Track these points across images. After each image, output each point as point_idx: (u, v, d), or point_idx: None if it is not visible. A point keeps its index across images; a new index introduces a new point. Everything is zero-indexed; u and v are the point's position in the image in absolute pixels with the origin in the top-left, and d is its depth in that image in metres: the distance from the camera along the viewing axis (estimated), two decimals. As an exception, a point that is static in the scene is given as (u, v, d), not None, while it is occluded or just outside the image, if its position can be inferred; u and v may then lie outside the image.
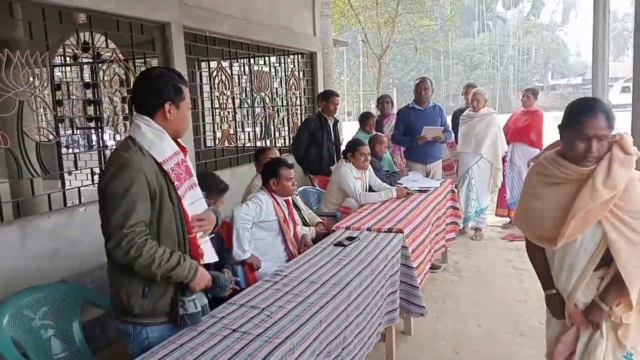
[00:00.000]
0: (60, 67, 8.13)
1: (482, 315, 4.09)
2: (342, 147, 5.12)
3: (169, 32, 4.84)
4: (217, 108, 6.21)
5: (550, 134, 2.33)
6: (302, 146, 5.74)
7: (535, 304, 4.12)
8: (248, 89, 6.63)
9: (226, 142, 6.19)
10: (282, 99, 7.39)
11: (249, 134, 6.82)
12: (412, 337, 3.77)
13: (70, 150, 6.82)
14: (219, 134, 6.23)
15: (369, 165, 4.78)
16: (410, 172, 5.85)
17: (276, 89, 7.21)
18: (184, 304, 2.09)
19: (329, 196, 4.74)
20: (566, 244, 2.05)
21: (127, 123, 4.67)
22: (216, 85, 6.07)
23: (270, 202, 3.50)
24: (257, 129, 6.85)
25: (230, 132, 6.26)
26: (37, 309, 2.56)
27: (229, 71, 6.10)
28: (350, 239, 3.33)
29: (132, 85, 2.21)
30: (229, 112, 6.22)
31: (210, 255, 2.24)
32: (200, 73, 6.82)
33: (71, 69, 8.15)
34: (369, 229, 3.58)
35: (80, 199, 4.09)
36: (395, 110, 6.95)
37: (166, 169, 2.04)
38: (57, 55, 6.68)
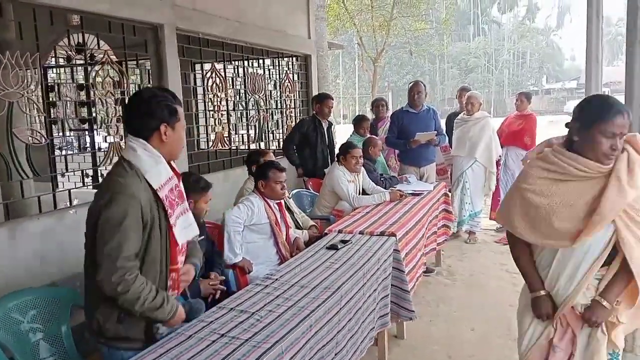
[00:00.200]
0: (54, 69, 8.11)
1: (476, 319, 4.07)
2: (336, 150, 5.10)
3: (162, 33, 4.81)
4: (211, 110, 6.18)
5: (544, 137, 2.29)
6: (292, 146, 5.76)
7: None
8: (242, 91, 6.60)
9: (219, 144, 6.17)
10: (277, 101, 7.37)
11: (242, 137, 6.79)
12: (405, 341, 3.75)
13: (64, 152, 6.79)
14: (212, 137, 6.20)
15: (362, 168, 4.77)
16: (409, 177, 5.75)
17: (270, 91, 7.19)
18: (159, 329, 2.08)
19: (322, 199, 4.72)
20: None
21: (120, 125, 4.65)
22: (210, 88, 6.05)
23: (262, 205, 3.48)
24: (251, 132, 6.83)
25: (224, 135, 6.24)
26: (26, 312, 2.53)
27: (223, 73, 6.08)
28: (343, 242, 3.31)
29: (124, 107, 2.17)
30: (222, 114, 6.20)
31: (186, 232, 2.18)
32: (194, 75, 6.80)
33: (65, 70, 8.12)
34: (361, 233, 3.56)
35: (70, 201, 4.06)
36: (390, 114, 6.95)
37: (161, 196, 2.00)
38: (52, 57, 6.64)
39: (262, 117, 6.94)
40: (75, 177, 4.89)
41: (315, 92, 7.51)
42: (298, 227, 3.99)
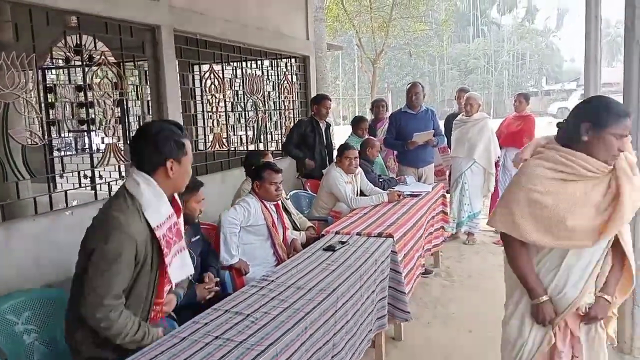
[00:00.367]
0: (53, 70, 8.10)
1: (474, 321, 4.05)
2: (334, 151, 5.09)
3: (159, 35, 4.81)
4: (209, 111, 6.17)
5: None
6: (291, 146, 5.76)
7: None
8: (240, 92, 6.59)
9: (217, 145, 6.15)
10: (275, 102, 7.36)
11: (240, 138, 6.78)
12: (403, 342, 3.73)
13: (62, 153, 6.78)
14: (210, 137, 6.19)
15: (360, 169, 4.76)
16: (407, 178, 5.74)
17: (269, 92, 7.18)
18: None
19: (320, 200, 4.71)
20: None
21: (117, 127, 4.64)
22: (207, 89, 6.03)
23: (259, 206, 3.47)
24: (249, 133, 6.82)
25: (222, 136, 6.23)
26: (20, 314, 2.51)
27: (221, 75, 6.07)
28: (340, 243, 3.30)
29: (130, 140, 2.15)
30: (220, 115, 6.19)
31: (181, 272, 2.19)
32: (192, 76, 6.78)
33: (63, 71, 8.11)
34: (358, 234, 3.55)
35: (67, 203, 4.04)
36: (389, 115, 6.94)
37: (157, 235, 1.99)
38: (51, 58, 6.62)
39: (260, 119, 6.93)
40: (74, 178, 4.87)
41: (314, 94, 7.49)
42: (296, 228, 3.98)
